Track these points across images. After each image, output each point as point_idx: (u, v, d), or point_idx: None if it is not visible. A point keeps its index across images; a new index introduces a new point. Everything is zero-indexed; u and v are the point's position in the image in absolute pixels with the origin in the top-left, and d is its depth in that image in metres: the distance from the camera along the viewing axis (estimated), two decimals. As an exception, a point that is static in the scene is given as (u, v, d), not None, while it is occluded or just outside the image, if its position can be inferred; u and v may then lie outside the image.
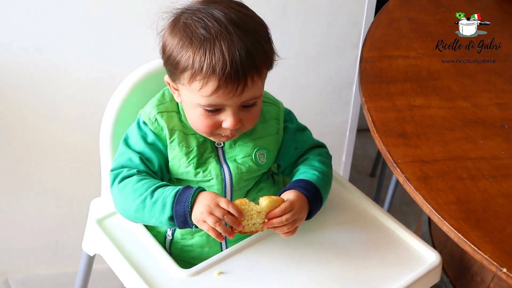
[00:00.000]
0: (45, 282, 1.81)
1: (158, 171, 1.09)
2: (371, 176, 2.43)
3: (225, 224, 1.00)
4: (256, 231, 1.03)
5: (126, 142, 1.10)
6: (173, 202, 1.00)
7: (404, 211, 2.28)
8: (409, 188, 1.03)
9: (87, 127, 1.56)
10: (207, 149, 1.10)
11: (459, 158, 1.08)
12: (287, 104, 1.21)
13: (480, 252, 0.92)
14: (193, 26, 0.99)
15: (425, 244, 1.15)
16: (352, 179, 2.32)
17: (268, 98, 1.16)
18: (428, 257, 1.13)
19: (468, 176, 1.05)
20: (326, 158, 1.18)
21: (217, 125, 1.03)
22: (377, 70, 1.28)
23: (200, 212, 0.98)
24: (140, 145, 1.08)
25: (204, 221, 0.98)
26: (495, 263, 0.91)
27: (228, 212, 0.98)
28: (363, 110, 1.18)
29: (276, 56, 1.04)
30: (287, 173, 1.20)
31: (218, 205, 0.98)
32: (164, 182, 1.06)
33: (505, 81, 1.28)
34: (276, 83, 1.74)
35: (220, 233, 0.99)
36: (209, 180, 1.10)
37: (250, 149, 1.11)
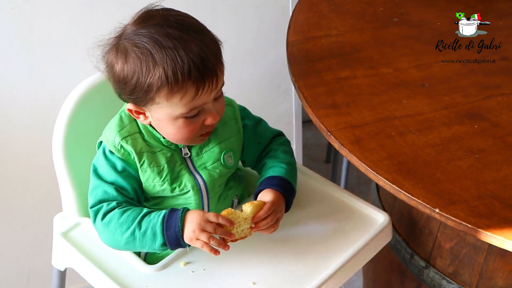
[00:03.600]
0: (21, 311, 1.80)
1: (134, 197, 1.10)
2: (326, 162, 2.51)
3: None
4: (245, 237, 1.07)
5: (97, 174, 1.10)
6: (162, 229, 1.03)
7: (362, 191, 2.36)
8: (344, 152, 1.09)
9: (39, 148, 1.58)
10: (177, 163, 1.11)
11: (386, 118, 1.15)
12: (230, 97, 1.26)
13: (414, 198, 0.99)
14: (147, 45, 0.97)
15: (374, 207, 1.22)
16: (308, 167, 2.37)
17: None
18: (378, 219, 1.20)
19: (397, 133, 1.12)
20: (287, 146, 1.23)
21: (199, 128, 1.05)
22: (303, 51, 1.34)
23: (192, 231, 1.01)
24: (111, 176, 1.08)
25: (198, 239, 1.01)
26: (428, 206, 0.97)
27: (218, 224, 1.02)
28: (295, 89, 1.25)
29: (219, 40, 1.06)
30: (253, 166, 1.25)
31: (208, 221, 1.01)
32: (147, 209, 1.07)
33: (421, 44, 1.37)
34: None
35: (214, 248, 1.03)
36: (186, 193, 1.12)
37: (217, 154, 1.13)
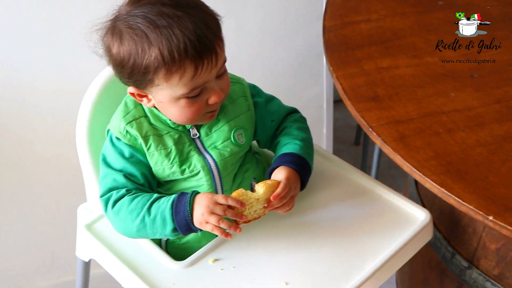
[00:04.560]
0: (46, 295, 1.80)
1: (144, 182, 1.08)
2: (355, 144, 2.43)
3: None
4: (259, 217, 1.03)
5: (106, 162, 1.08)
6: (172, 214, 1.00)
7: (392, 174, 2.28)
8: (387, 150, 1.02)
9: (63, 134, 1.54)
10: (185, 144, 1.08)
11: (433, 113, 1.07)
12: (259, 84, 1.19)
13: (464, 203, 0.92)
14: (141, 25, 0.95)
15: (414, 203, 1.14)
16: (337, 150, 2.31)
17: (230, 77, 1.14)
18: (418, 216, 1.12)
19: (444, 130, 1.04)
20: (302, 123, 1.18)
21: (203, 107, 1.02)
22: (341, 38, 1.27)
23: (201, 214, 0.98)
24: (119, 163, 1.07)
25: (207, 222, 0.98)
26: (481, 213, 0.90)
27: (228, 206, 0.98)
28: (332, 79, 1.17)
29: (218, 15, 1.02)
30: (268, 146, 1.20)
31: (216, 203, 0.98)
32: (157, 195, 1.05)
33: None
34: (245, 64, 1.73)
35: (226, 231, 1.00)
36: (196, 174, 1.08)
37: (227, 133, 1.10)
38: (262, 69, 1.80)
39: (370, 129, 1.04)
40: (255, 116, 1.15)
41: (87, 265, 1.28)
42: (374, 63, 1.20)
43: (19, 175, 1.60)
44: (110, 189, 1.06)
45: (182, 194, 1.02)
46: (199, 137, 1.09)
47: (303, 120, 1.19)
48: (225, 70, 1.03)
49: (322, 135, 2.04)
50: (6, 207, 1.63)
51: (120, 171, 1.06)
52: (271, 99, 1.19)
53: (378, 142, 1.03)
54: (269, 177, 1.07)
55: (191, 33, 0.94)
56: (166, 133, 1.07)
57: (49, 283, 1.79)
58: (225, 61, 1.01)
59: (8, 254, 1.71)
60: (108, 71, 1.19)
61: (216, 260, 1.05)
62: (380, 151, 2.07)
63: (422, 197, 1.41)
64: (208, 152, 1.09)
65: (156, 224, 1.01)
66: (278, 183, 1.03)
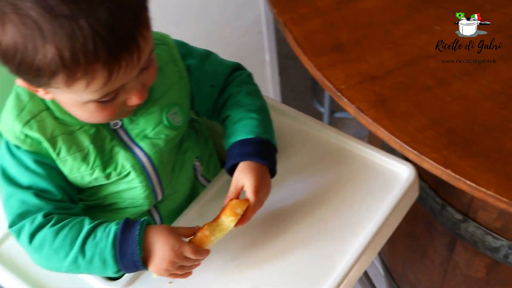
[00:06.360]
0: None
1: (62, 197, 0.86)
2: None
3: None
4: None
5: (7, 177, 0.87)
6: (115, 256, 0.82)
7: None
8: (365, 121, 0.77)
9: None
10: (106, 139, 0.85)
11: (417, 59, 0.83)
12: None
13: (481, 188, 0.70)
14: (32, 11, 0.69)
15: (393, 157, 0.92)
16: (284, 67, 2.05)
17: (153, 37, 0.87)
18: (401, 172, 0.90)
19: (436, 82, 0.80)
20: (251, 84, 0.94)
21: (119, 108, 0.80)
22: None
23: (164, 269, 0.82)
24: (24, 177, 0.86)
25: (172, 274, 0.84)
26: (504, 199, 0.68)
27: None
28: (279, 26, 0.89)
29: None
30: (209, 116, 0.97)
31: (184, 257, 0.82)
32: (88, 224, 0.85)
33: None
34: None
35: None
36: (126, 176, 0.87)
37: (157, 115, 0.87)
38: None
39: (339, 94, 0.79)
40: (189, 84, 0.90)
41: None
42: (330, -4, 0.92)
43: None
44: (20, 216, 0.84)
45: (125, 226, 0.81)
46: (122, 126, 0.85)
47: (250, 79, 0.95)
48: (152, 57, 0.78)
49: (265, 62, 1.79)
50: None
51: (29, 188, 0.84)
52: (206, 56, 0.93)
53: (351, 110, 0.78)
54: (230, 173, 0.88)
55: (103, 27, 0.68)
56: (79, 129, 0.83)
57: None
58: (151, 49, 0.76)
59: None
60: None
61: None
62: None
63: (398, 142, 1.18)
64: (136, 145, 0.86)
65: (94, 266, 0.81)
66: (247, 202, 0.82)
